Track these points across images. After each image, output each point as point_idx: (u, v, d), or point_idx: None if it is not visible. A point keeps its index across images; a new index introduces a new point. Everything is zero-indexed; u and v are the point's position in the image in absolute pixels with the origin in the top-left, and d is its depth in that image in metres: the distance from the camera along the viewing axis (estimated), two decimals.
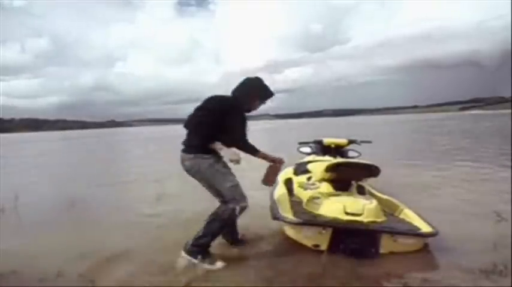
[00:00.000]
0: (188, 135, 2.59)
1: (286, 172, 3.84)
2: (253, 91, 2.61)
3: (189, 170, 2.55)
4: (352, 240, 2.59)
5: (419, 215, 2.90)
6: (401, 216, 3.00)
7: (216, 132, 2.45)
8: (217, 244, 2.92)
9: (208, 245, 2.52)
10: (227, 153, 2.51)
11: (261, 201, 3.54)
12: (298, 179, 3.61)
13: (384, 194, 3.48)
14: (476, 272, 2.32)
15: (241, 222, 3.22)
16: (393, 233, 2.62)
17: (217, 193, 2.58)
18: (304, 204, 3.09)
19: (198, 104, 2.60)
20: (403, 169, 6.83)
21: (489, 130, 19.66)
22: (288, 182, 3.65)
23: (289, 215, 2.81)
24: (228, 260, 2.66)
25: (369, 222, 2.68)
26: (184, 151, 2.55)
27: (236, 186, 2.52)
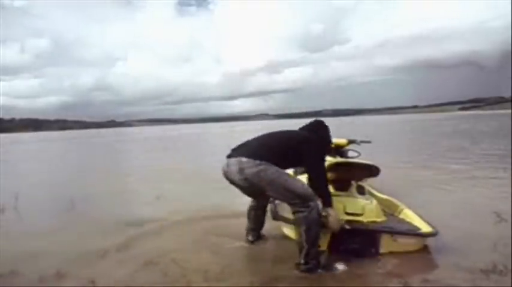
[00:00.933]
0: (261, 145, 2.50)
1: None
2: (328, 138, 2.69)
3: (247, 179, 2.36)
4: (353, 240, 2.59)
5: (419, 215, 2.90)
6: (401, 216, 3.00)
7: (290, 160, 2.44)
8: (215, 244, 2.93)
9: (318, 255, 2.39)
10: (330, 221, 2.40)
11: None
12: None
13: (384, 194, 3.50)
14: (476, 272, 2.32)
15: (242, 222, 3.23)
16: (393, 233, 2.63)
17: (290, 195, 2.33)
18: None
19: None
20: (403, 169, 6.83)
21: (489, 130, 19.66)
22: None
23: (288, 215, 2.78)
24: (228, 260, 2.66)
25: (368, 222, 2.69)
26: (247, 156, 2.38)
27: (306, 185, 2.41)
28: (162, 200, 4.83)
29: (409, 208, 3.08)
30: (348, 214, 2.71)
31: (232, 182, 2.53)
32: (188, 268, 2.52)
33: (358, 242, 2.59)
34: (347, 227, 2.52)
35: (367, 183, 3.63)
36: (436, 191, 4.90)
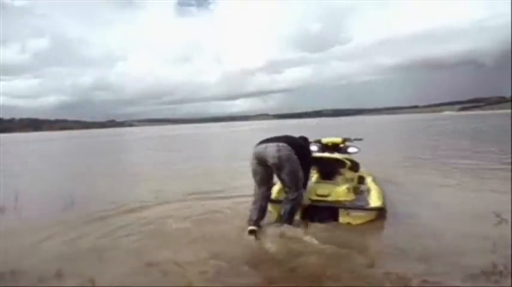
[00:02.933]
0: (291, 138, 3.40)
1: None
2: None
3: (281, 157, 3.11)
4: (320, 213, 3.40)
5: (380, 196, 3.67)
6: (368, 196, 3.74)
7: (299, 155, 3.26)
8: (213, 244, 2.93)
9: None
10: None
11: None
12: None
13: (377, 184, 4.13)
14: (476, 273, 2.32)
15: (241, 223, 3.24)
16: (345, 208, 3.42)
17: (293, 179, 3.16)
18: None
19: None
20: (402, 169, 6.83)
21: (489, 130, 19.66)
22: None
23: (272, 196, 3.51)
24: (227, 260, 2.66)
25: (332, 201, 3.50)
26: (285, 142, 3.22)
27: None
28: (160, 199, 4.83)
29: (378, 190, 3.83)
30: (317, 195, 3.55)
31: (261, 160, 3.20)
32: (188, 268, 2.53)
33: (323, 214, 3.39)
34: (309, 203, 3.42)
35: (369, 172, 4.56)
36: (435, 191, 4.89)
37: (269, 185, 3.36)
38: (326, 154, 4.23)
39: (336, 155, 4.16)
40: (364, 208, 3.44)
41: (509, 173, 5.63)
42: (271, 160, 3.13)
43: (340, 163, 4.06)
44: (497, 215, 3.15)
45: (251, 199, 3.35)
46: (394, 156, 9.16)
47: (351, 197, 3.61)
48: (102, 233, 3.48)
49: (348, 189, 3.66)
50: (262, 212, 3.28)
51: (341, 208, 3.43)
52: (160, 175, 7.47)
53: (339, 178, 4.01)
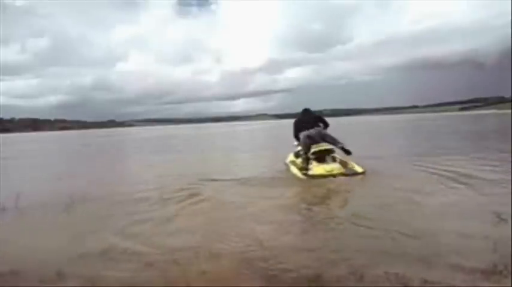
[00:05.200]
0: (318, 129, 6.54)
1: (290, 156, 7.37)
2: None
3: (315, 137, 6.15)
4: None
5: (360, 166, 6.11)
6: (352, 167, 6.19)
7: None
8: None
9: None
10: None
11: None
12: (297, 161, 6.89)
13: (348, 160, 6.38)
14: (476, 273, 2.32)
15: (240, 224, 3.22)
16: (344, 175, 5.79)
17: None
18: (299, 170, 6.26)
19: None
20: (401, 168, 6.81)
21: (489, 130, 19.64)
22: (293, 163, 6.93)
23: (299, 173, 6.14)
24: (227, 262, 2.66)
25: (336, 173, 5.83)
26: (315, 130, 6.32)
27: None
28: (161, 198, 4.82)
29: (356, 163, 6.18)
30: (326, 171, 5.89)
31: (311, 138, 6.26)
32: (188, 268, 2.53)
33: None
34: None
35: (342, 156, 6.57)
36: (435, 190, 4.88)
37: (309, 150, 6.11)
38: (321, 147, 6.49)
39: (326, 146, 6.46)
40: (356, 173, 5.95)
41: (509, 173, 5.63)
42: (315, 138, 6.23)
43: (328, 150, 6.48)
44: (497, 215, 3.15)
45: None
46: (392, 155, 9.14)
47: (343, 169, 6.06)
48: (102, 233, 3.49)
49: (341, 165, 6.23)
50: (306, 164, 6.03)
51: (344, 175, 5.80)
52: (161, 174, 7.46)
53: (330, 159, 6.42)
